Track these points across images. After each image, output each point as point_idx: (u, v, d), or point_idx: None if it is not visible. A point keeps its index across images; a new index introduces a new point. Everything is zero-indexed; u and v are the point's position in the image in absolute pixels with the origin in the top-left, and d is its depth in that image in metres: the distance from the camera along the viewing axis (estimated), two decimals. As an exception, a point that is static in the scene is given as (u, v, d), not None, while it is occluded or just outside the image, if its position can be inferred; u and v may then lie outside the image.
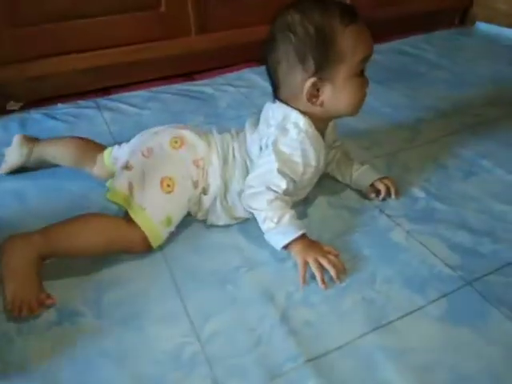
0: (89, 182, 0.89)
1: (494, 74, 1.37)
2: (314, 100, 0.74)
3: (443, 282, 0.70)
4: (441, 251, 0.75)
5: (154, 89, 1.31)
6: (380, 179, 0.87)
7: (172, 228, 0.76)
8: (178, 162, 0.77)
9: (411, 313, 0.65)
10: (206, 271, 0.72)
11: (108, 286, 0.70)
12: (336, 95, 0.74)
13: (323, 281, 0.68)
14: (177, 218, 0.77)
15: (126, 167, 0.77)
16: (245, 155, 0.80)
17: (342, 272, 0.70)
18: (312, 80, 0.72)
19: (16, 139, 0.92)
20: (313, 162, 0.77)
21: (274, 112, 0.78)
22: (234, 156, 0.80)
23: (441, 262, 0.73)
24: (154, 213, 0.73)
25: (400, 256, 0.74)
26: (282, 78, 0.75)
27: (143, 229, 0.72)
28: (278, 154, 0.74)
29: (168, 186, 0.74)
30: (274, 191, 0.73)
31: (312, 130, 0.76)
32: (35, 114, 1.18)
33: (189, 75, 1.39)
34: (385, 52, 1.54)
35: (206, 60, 1.40)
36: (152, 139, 0.80)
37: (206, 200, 0.78)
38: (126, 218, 0.73)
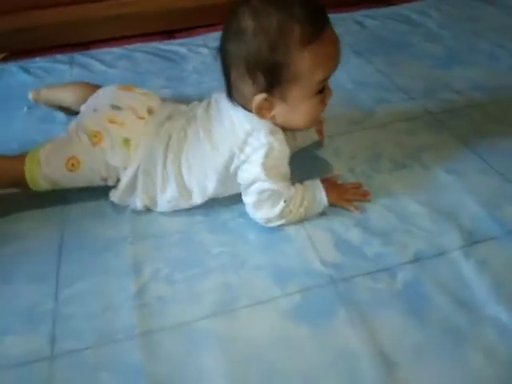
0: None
1: (496, 53, 1.23)
2: (263, 112, 0.70)
3: (309, 277, 0.69)
4: (324, 246, 0.73)
5: (131, 46, 1.33)
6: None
7: (57, 188, 0.78)
8: (91, 155, 0.76)
9: (261, 303, 0.66)
10: (95, 238, 0.76)
11: (3, 240, 0.76)
12: (288, 114, 0.70)
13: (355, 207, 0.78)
14: (66, 186, 0.78)
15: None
16: (180, 182, 0.75)
17: (366, 196, 0.80)
18: (261, 96, 0.68)
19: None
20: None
21: (239, 118, 0.72)
22: (163, 179, 0.76)
23: (317, 257, 0.72)
24: (46, 172, 0.76)
25: (281, 245, 0.74)
26: (234, 82, 0.70)
27: (25, 173, 0.75)
28: (270, 172, 0.71)
29: (72, 165, 0.76)
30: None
31: (282, 135, 0.72)
32: (13, 67, 1.25)
33: (170, 33, 1.39)
34: (383, 18, 1.44)
35: (188, 18, 1.39)
36: (85, 118, 0.80)
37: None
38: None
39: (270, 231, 0.76)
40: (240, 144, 0.71)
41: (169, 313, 0.65)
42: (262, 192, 0.72)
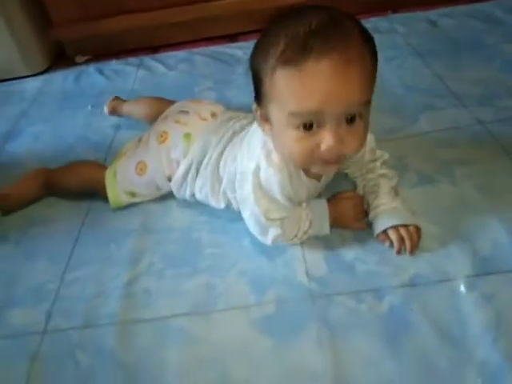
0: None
1: None
2: (263, 124, 0.65)
3: (289, 288, 0.68)
4: (314, 258, 0.71)
5: (195, 50, 1.39)
6: (396, 227, 0.70)
7: (137, 200, 0.85)
8: (155, 155, 0.82)
9: (236, 309, 0.67)
10: (108, 228, 0.83)
11: (34, 222, 0.87)
12: (275, 138, 0.64)
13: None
14: (141, 194, 0.85)
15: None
16: (213, 174, 0.77)
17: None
18: (254, 105, 0.65)
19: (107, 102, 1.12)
20: (295, 199, 0.70)
21: (255, 134, 0.70)
22: (205, 169, 0.78)
23: (304, 268, 0.70)
24: (121, 183, 0.84)
25: (272, 253, 0.73)
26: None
27: (107, 189, 0.84)
28: (258, 200, 0.68)
29: (141, 169, 0.83)
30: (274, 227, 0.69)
31: (290, 166, 0.66)
32: (91, 68, 1.39)
33: (234, 36, 1.43)
34: (461, 16, 1.31)
35: (247, 21, 1.41)
36: (156, 126, 0.88)
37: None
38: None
39: (268, 237, 0.75)
40: (244, 168, 0.71)
41: (150, 306, 0.69)
42: (249, 215, 0.71)
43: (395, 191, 0.75)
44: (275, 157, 0.66)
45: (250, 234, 0.75)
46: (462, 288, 0.63)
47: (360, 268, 0.68)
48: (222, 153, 0.77)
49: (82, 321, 0.68)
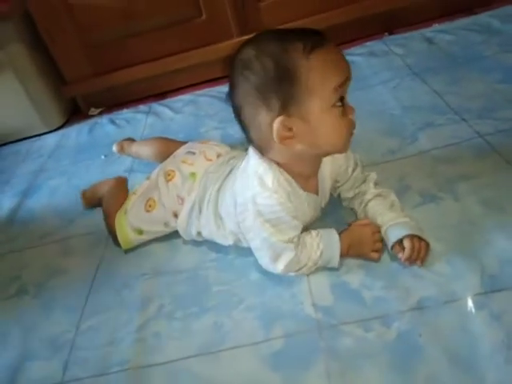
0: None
1: None
2: (287, 141, 0.64)
3: (296, 321, 0.68)
4: (320, 288, 0.71)
5: (200, 91, 1.44)
6: (411, 237, 0.70)
7: (144, 237, 0.88)
8: (164, 192, 0.86)
9: (244, 346, 0.67)
10: (120, 274, 0.85)
11: (51, 273, 0.90)
12: (312, 132, 0.64)
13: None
14: (149, 231, 0.87)
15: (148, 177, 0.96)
16: (214, 210, 0.79)
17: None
18: (280, 119, 0.62)
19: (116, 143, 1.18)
20: (301, 217, 0.72)
21: (249, 162, 0.72)
22: (206, 206, 0.80)
23: (310, 299, 0.70)
24: (130, 220, 0.88)
25: (278, 286, 0.73)
26: (248, 122, 0.66)
27: (117, 229, 0.88)
28: (263, 225, 0.69)
29: (150, 206, 0.87)
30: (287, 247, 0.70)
31: (285, 186, 0.68)
32: (104, 119, 1.45)
33: (237, 75, 1.47)
34: (458, 30, 1.31)
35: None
36: (165, 164, 0.94)
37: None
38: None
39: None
40: (241, 199, 0.72)
41: (160, 350, 0.70)
42: (261, 242, 0.71)
43: (399, 207, 0.76)
44: (268, 180, 0.68)
45: (257, 269, 0.76)
46: (471, 307, 0.62)
47: (366, 295, 0.68)
48: (219, 189, 0.80)
49: (97, 369, 0.70)
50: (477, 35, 1.27)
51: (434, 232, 0.73)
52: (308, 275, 0.73)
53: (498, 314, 0.60)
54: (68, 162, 1.28)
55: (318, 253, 0.71)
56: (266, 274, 0.75)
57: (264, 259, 0.73)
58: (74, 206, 1.08)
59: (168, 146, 1.03)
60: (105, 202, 0.99)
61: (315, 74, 0.61)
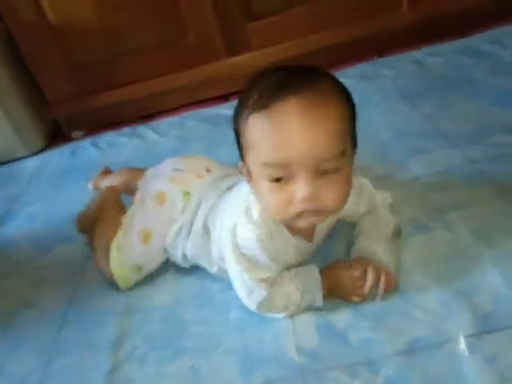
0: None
1: None
2: (249, 181, 0.64)
3: (278, 366, 0.63)
4: (304, 329, 0.66)
5: (186, 113, 1.41)
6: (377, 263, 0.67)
7: (142, 274, 0.80)
8: (156, 218, 0.80)
9: (221, 393, 0.62)
10: (92, 311, 0.80)
11: (21, 306, 0.85)
12: (256, 191, 0.63)
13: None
14: (147, 266, 0.80)
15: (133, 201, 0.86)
16: (204, 224, 0.75)
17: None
18: (240, 163, 0.64)
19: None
20: (282, 260, 0.68)
21: (241, 189, 0.70)
22: (196, 224, 0.76)
23: (294, 342, 0.65)
24: (126, 257, 0.79)
25: (260, 327, 0.68)
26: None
27: (112, 269, 0.79)
28: (239, 259, 0.66)
29: (145, 237, 0.79)
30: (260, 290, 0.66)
31: (269, 223, 0.64)
32: (85, 142, 1.41)
33: (225, 97, 1.44)
34: (448, 53, 1.29)
35: (239, 81, 1.42)
36: (148, 185, 0.85)
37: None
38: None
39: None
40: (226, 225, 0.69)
41: (134, 396, 0.65)
42: (234, 276, 0.68)
43: (389, 235, 0.73)
44: (255, 213, 0.65)
45: (237, 306, 0.71)
46: (464, 350, 0.57)
47: (353, 337, 0.63)
48: (212, 206, 0.75)
49: (63, 417, 0.65)
50: (467, 58, 1.24)
51: (425, 266, 0.70)
52: (292, 315, 0.68)
53: (491, 357, 0.56)
54: (48, 188, 1.23)
55: (299, 295, 0.66)
56: (247, 312, 0.70)
57: (240, 293, 0.68)
58: (52, 233, 1.03)
59: (134, 175, 0.96)
60: (96, 234, 0.88)
61: (249, 136, 0.58)
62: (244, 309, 0.70)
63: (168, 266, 0.82)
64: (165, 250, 0.80)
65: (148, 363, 0.68)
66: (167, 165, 0.88)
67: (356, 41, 1.38)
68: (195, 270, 0.80)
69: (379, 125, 1.06)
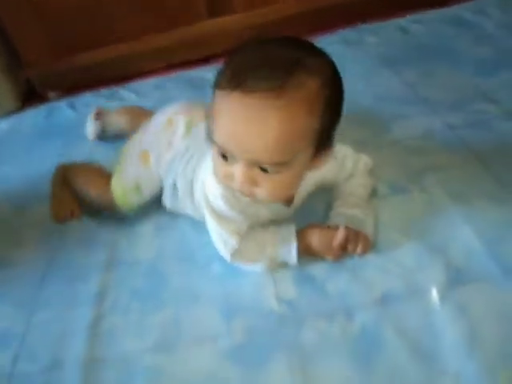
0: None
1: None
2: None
3: (259, 314, 0.65)
4: (284, 281, 0.68)
5: (168, 76, 1.39)
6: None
7: (142, 197, 0.81)
8: (156, 140, 0.82)
9: (204, 340, 0.64)
10: (74, 266, 0.80)
11: (2, 264, 0.84)
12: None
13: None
14: (146, 186, 0.81)
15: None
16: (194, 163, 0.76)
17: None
18: None
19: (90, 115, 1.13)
20: (252, 218, 0.69)
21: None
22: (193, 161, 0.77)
23: (274, 293, 0.67)
24: (127, 177, 0.81)
25: (242, 278, 0.70)
26: None
27: (114, 190, 0.81)
28: (211, 214, 0.69)
29: (145, 158, 0.81)
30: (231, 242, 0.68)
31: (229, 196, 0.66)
32: (62, 103, 1.37)
33: (206, 60, 1.42)
34: (432, 21, 1.29)
35: (220, 43, 1.40)
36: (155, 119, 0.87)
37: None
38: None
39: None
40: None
41: (115, 344, 0.66)
42: (210, 229, 0.70)
43: (365, 196, 0.75)
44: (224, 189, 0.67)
45: (218, 259, 0.72)
46: (436, 300, 0.61)
47: (331, 288, 0.66)
48: (201, 154, 0.76)
49: (48, 363, 0.65)
50: (450, 27, 1.25)
51: (401, 224, 0.72)
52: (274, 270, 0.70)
53: (462, 306, 0.59)
54: (22, 148, 1.19)
55: (274, 247, 0.68)
56: (227, 265, 0.71)
57: (217, 244, 0.70)
58: (29, 193, 1.01)
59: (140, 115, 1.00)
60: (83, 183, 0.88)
61: (213, 107, 0.58)
62: (224, 262, 0.71)
63: (149, 221, 0.83)
64: (160, 178, 0.81)
65: (131, 314, 0.69)
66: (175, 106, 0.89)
67: (340, 6, 1.37)
68: (176, 224, 0.81)
69: (362, 91, 1.07)
